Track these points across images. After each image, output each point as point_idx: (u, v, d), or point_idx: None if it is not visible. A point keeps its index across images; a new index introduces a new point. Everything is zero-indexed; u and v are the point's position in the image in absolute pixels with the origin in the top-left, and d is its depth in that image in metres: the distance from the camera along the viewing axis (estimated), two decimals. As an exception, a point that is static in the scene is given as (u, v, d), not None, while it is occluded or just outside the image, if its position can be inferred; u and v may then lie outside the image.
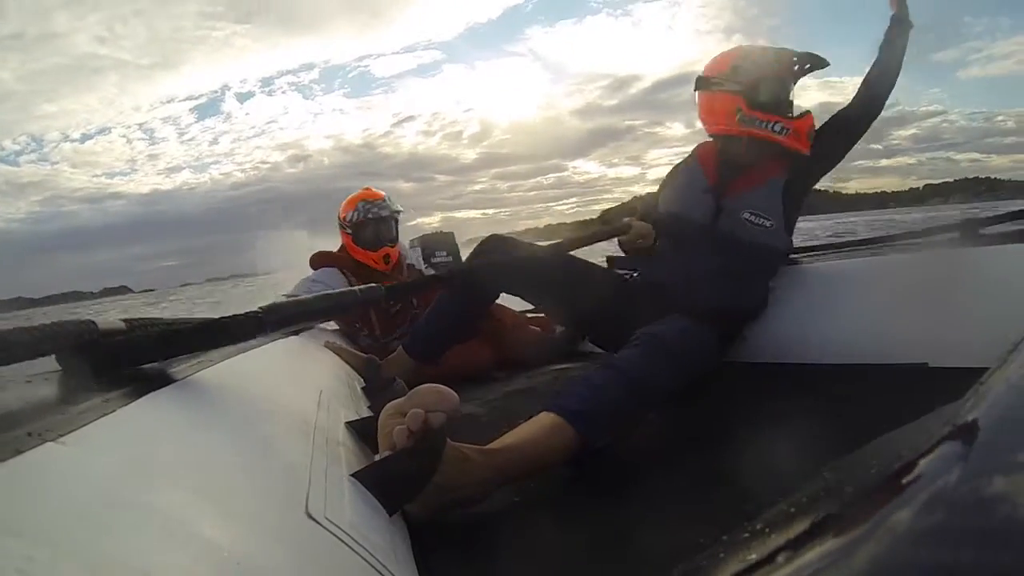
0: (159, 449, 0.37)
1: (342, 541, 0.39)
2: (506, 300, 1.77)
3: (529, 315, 1.98)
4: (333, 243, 2.05)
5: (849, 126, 1.37)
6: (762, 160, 1.32)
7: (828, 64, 1.36)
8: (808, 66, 1.36)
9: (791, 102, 1.35)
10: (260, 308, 0.54)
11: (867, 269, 1.28)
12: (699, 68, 1.42)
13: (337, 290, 0.71)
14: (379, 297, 0.71)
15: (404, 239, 2.17)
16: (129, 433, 0.36)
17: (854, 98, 1.37)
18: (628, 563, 0.57)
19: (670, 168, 1.50)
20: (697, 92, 1.40)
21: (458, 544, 0.63)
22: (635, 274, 1.41)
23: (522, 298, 1.51)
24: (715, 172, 1.35)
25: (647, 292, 1.30)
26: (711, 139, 1.41)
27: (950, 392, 0.23)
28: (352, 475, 0.53)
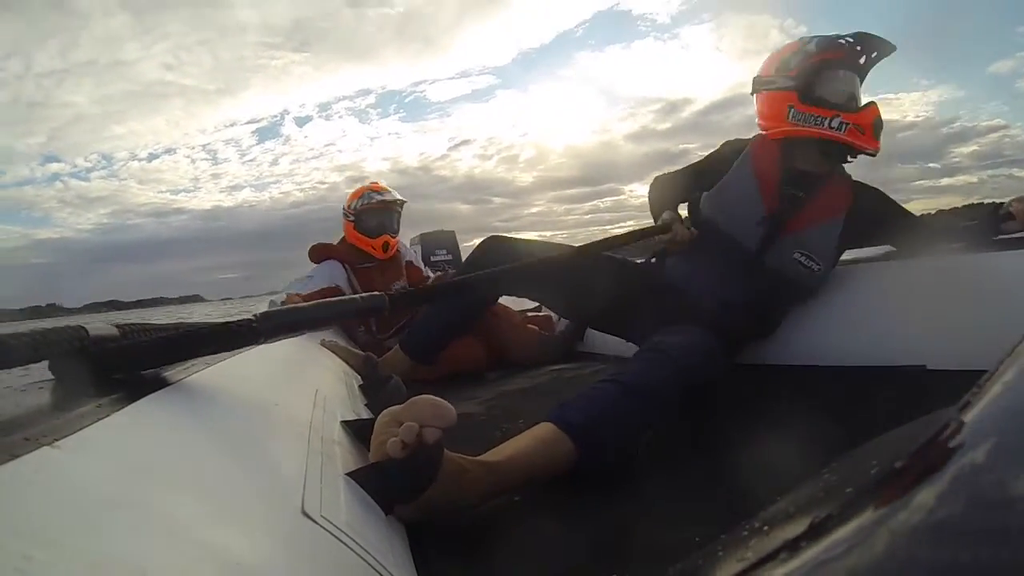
0: (155, 451, 0.36)
1: (338, 539, 0.39)
2: (506, 298, 1.77)
3: (529, 315, 1.98)
4: None
5: (880, 232, 1.26)
6: (828, 186, 1.21)
7: (894, 48, 1.20)
8: (875, 54, 1.20)
9: (858, 96, 1.20)
10: (255, 316, 0.54)
11: (866, 273, 1.28)
12: (749, 89, 1.31)
13: (337, 299, 0.68)
14: (382, 307, 0.68)
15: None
16: (124, 436, 0.36)
17: (908, 222, 1.24)
18: (628, 562, 0.57)
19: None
20: (754, 96, 1.30)
21: (455, 542, 0.62)
22: (652, 259, 1.35)
23: (523, 297, 1.49)
24: (774, 197, 1.21)
25: (664, 289, 1.26)
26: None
27: (948, 394, 0.23)
28: (348, 474, 0.53)
